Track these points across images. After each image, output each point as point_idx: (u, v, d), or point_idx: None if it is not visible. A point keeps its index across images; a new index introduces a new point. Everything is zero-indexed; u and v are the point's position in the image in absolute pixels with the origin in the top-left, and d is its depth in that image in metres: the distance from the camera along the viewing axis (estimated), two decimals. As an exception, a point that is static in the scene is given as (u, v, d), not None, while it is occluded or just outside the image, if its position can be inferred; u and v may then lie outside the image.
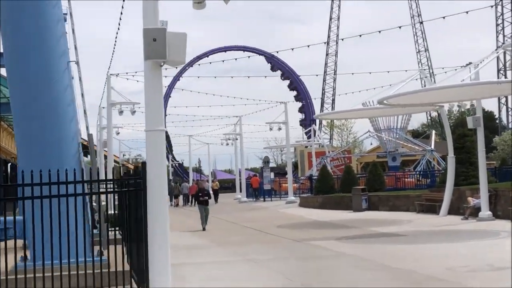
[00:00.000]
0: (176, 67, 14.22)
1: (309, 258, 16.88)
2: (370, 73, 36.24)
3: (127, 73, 28.54)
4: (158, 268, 9.27)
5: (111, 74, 28.03)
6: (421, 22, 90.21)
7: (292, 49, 28.86)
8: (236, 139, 51.80)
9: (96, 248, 12.74)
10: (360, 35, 25.54)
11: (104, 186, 13.84)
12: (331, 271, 14.40)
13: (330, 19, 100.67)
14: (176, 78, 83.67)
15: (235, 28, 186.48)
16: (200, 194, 26.74)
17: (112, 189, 12.13)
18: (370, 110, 28.50)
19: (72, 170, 10.46)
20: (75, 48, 14.25)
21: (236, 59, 43.42)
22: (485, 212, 25.07)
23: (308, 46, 25.35)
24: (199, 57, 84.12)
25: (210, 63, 50.47)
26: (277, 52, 36.18)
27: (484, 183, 25.22)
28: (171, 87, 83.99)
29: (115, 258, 10.80)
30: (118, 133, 45.69)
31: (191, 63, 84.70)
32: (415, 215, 29.60)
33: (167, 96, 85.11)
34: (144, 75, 9.40)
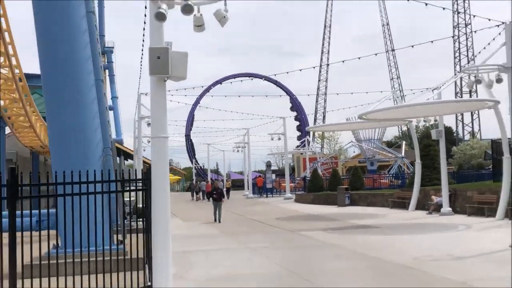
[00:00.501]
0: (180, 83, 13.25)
1: (298, 247, 15.87)
2: (352, 93, 35.31)
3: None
4: (160, 256, 8.40)
5: (141, 93, 27.38)
6: (393, 50, 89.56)
7: (288, 72, 27.70)
8: (244, 147, 51.04)
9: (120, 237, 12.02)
10: (343, 61, 24.26)
11: (124, 185, 12.93)
12: (315, 259, 13.40)
13: (322, 52, 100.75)
14: (199, 99, 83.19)
15: (248, 60, 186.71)
16: (214, 192, 25.73)
17: (126, 188, 11.13)
18: (352, 124, 27.51)
19: (99, 171, 9.77)
20: (101, 67, 13.34)
21: (241, 80, 42.79)
22: (446, 208, 24.34)
23: (300, 70, 24.20)
24: (217, 82, 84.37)
25: (221, 83, 49.47)
26: (275, 75, 34.71)
27: (445, 184, 24.49)
28: (195, 104, 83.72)
29: (136, 247, 9.93)
30: (149, 141, 44.73)
31: (211, 87, 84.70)
32: (388, 210, 28.60)
33: (192, 113, 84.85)
34: (150, 88, 8.47)
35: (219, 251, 15.45)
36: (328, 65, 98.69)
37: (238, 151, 52.68)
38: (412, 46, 23.03)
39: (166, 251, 8.37)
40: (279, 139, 41.98)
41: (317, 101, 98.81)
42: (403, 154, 52.75)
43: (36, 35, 12.21)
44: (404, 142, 59.37)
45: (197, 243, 17.38)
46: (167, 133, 8.39)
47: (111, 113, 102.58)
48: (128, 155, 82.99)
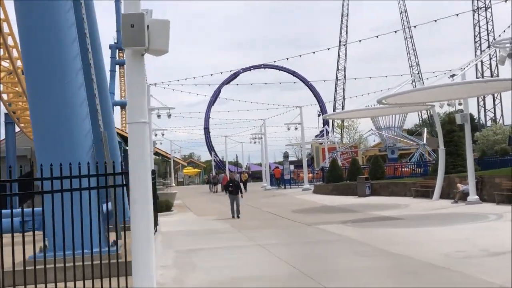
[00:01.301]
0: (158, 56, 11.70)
1: (314, 243, 14.34)
2: (370, 77, 33.31)
3: (162, 82, 26.22)
4: (140, 262, 6.91)
5: (150, 84, 25.94)
6: (411, 37, 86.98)
7: (300, 55, 25.79)
8: (261, 138, 49.36)
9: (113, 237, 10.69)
10: (360, 40, 22.54)
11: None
12: (332, 258, 11.84)
13: (340, 41, 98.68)
14: (218, 90, 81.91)
15: (267, 53, 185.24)
16: (230, 184, 23.65)
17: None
18: (371, 110, 25.82)
19: (91, 165, 8.53)
20: (89, 51, 11.92)
21: (264, 66, 41.13)
22: (473, 196, 22.64)
23: (314, 52, 22.50)
24: (235, 74, 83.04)
25: (237, 75, 47.83)
26: (287, 59, 32.17)
27: (471, 171, 22.83)
28: (213, 98, 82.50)
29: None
30: (163, 135, 43.61)
31: (231, 78, 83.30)
32: (411, 200, 26.92)
33: (210, 104, 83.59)
34: (126, 64, 7.01)
35: (227, 249, 14.01)
36: (346, 46, 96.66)
37: (255, 142, 51.10)
38: (435, 21, 21.13)
39: (148, 256, 6.91)
40: (296, 129, 40.34)
41: (335, 91, 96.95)
42: (425, 141, 50.68)
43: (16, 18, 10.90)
44: (425, 129, 57.07)
45: (205, 240, 15.99)
46: (146, 118, 6.93)
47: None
48: (158, 155, 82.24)
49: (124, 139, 56.48)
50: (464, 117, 22.83)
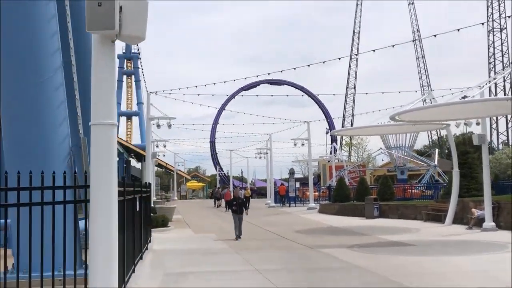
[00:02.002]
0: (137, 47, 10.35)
1: (316, 271, 12.94)
2: (383, 93, 32.01)
3: (163, 91, 24.98)
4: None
5: (150, 92, 24.68)
6: (423, 56, 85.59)
7: (309, 65, 24.52)
8: (266, 153, 47.98)
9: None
10: (374, 50, 21.24)
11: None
12: (337, 290, 10.47)
13: (350, 58, 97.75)
14: (225, 104, 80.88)
15: (278, 68, 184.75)
16: (234, 202, 21.65)
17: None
18: (381, 128, 24.45)
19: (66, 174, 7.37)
20: (70, 47, 10.69)
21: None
22: (489, 223, 21.13)
23: (324, 62, 21.25)
24: (242, 88, 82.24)
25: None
26: (295, 68, 30.91)
27: (488, 195, 21.37)
28: (220, 111, 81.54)
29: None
30: (165, 146, 42.36)
31: (237, 93, 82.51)
32: (422, 224, 25.45)
33: (217, 119, 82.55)
34: (92, 53, 5.72)
35: (220, 274, 12.64)
36: (356, 63, 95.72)
37: (260, 157, 49.73)
38: (435, 35, 19.79)
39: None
40: (303, 145, 38.96)
41: (345, 108, 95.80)
42: (436, 162, 49.12)
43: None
44: (437, 150, 55.49)
45: (198, 261, 14.62)
46: (115, 118, 5.64)
47: (136, 119, 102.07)
48: (161, 167, 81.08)
49: (127, 150, 55.46)
50: (482, 137, 21.49)
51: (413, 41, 72.46)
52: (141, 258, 13.91)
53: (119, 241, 9.39)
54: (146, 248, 16.49)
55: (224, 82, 27.18)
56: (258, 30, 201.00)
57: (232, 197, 38.95)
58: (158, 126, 24.63)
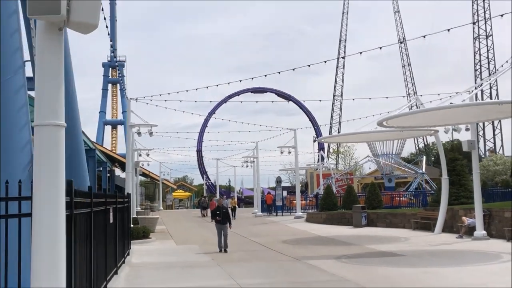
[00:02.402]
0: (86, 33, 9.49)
1: (303, 284, 12.20)
2: (370, 98, 31.32)
3: (144, 97, 24.06)
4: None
5: (130, 99, 23.72)
6: (409, 64, 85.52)
7: (294, 69, 23.71)
8: (253, 161, 47.12)
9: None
10: (361, 53, 20.56)
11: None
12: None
13: (337, 67, 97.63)
14: (212, 112, 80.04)
15: (265, 78, 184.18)
16: (217, 212, 19.83)
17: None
18: (368, 134, 23.80)
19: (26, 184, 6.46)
20: (33, 45, 9.88)
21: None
22: (480, 231, 20.58)
23: (309, 65, 20.53)
24: (229, 96, 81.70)
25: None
26: (279, 72, 30.33)
27: (479, 203, 20.79)
28: (207, 119, 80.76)
29: None
30: (148, 154, 41.40)
31: (224, 101, 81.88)
32: (411, 232, 24.83)
33: (203, 128, 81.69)
34: (37, 42, 4.94)
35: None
36: (343, 70, 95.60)
37: (247, 166, 48.90)
38: (424, 36, 19.20)
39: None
40: (289, 153, 38.18)
41: (332, 117, 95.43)
42: (423, 169, 48.58)
43: None
44: (424, 157, 55.02)
45: (177, 276, 13.78)
46: (63, 119, 4.87)
47: (121, 128, 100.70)
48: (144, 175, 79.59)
49: (111, 159, 54.33)
50: (472, 143, 20.93)
51: (400, 42, 72.11)
52: (116, 273, 13.07)
53: (86, 256, 8.61)
54: (123, 262, 15.66)
55: (207, 87, 26.21)
56: (244, 40, 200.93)
57: (215, 207, 38.18)
58: (139, 133, 23.74)
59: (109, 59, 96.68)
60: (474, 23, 72.41)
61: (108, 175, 55.32)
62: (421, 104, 23.31)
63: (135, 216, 33.27)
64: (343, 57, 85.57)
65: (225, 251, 18.93)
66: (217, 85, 21.63)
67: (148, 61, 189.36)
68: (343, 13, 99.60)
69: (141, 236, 22.79)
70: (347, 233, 25.54)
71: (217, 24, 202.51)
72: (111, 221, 12.32)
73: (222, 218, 19.57)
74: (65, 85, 5.49)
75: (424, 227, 25.45)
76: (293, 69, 21.62)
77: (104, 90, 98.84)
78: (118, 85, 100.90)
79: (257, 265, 15.64)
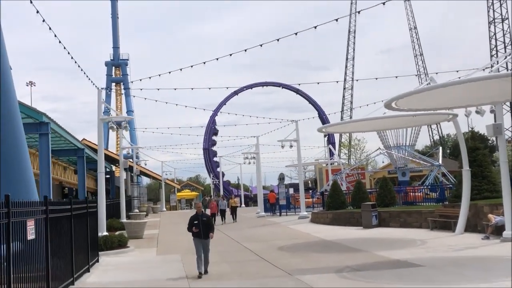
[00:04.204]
0: None
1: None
2: (376, 78, 27.98)
3: (114, 83, 20.80)
4: None
5: (102, 88, 20.61)
6: (421, 54, 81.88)
7: (296, 33, 20.40)
8: (253, 157, 43.75)
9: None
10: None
11: None
12: None
13: (346, 59, 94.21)
14: (217, 110, 77.00)
15: (279, 73, 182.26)
16: (195, 221, 14.19)
17: None
18: (375, 121, 20.50)
19: None
20: None
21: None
22: (510, 231, 17.35)
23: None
24: (235, 92, 79.09)
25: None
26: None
27: (508, 197, 17.52)
28: (213, 116, 77.93)
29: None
30: (137, 153, 38.45)
31: (229, 98, 79.23)
32: (428, 233, 21.61)
33: (209, 125, 78.81)
34: None
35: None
36: (353, 73, 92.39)
37: (249, 163, 45.62)
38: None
39: None
40: (291, 146, 34.79)
41: (342, 111, 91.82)
42: (440, 161, 44.86)
43: None
44: (440, 148, 51.16)
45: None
46: None
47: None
48: (146, 176, 76.79)
49: (112, 160, 51.52)
50: (498, 128, 17.64)
51: (410, 29, 68.38)
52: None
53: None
54: (72, 283, 12.57)
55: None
56: (253, 38, 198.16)
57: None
58: (112, 128, 20.69)
59: (112, 58, 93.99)
60: (488, 7, 68.80)
61: (108, 176, 52.62)
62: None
63: (124, 220, 30.39)
64: (354, 36, 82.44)
65: (206, 272, 14.03)
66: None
67: (157, 61, 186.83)
68: (351, 3, 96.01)
69: (116, 246, 19.75)
70: (354, 236, 22.32)
71: (224, 23, 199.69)
72: (30, 237, 9.30)
73: (201, 230, 14.11)
74: None
75: (443, 226, 22.21)
76: (295, 33, 18.23)
77: (108, 89, 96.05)
78: (122, 84, 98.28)
79: (239, 284, 12.51)
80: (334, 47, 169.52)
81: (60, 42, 20.04)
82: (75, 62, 20.13)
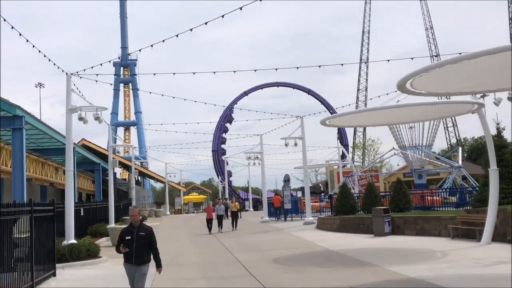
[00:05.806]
0: None
1: None
2: (388, 61, 25.28)
3: (84, 69, 17.89)
4: None
5: (71, 74, 17.82)
6: (438, 55, 78.41)
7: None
8: (257, 157, 40.74)
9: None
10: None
11: None
12: None
13: (360, 60, 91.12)
14: (227, 110, 74.53)
15: (290, 78, 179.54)
16: (127, 237, 8.86)
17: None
18: (385, 111, 17.52)
19: None
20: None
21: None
22: (549, 241, 14.17)
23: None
24: (245, 93, 77.05)
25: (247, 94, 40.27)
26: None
27: (546, 203, 14.34)
28: (223, 117, 75.68)
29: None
30: (127, 151, 35.82)
31: (239, 98, 77.24)
32: (449, 243, 18.58)
33: (218, 126, 76.50)
34: None
35: None
36: (367, 74, 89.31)
37: (254, 163, 42.68)
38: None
39: None
40: (295, 144, 31.74)
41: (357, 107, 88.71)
42: (460, 163, 41.48)
43: None
44: (460, 149, 47.71)
45: None
46: None
47: (134, 129, 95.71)
48: (152, 178, 74.50)
49: (100, 156, 48.71)
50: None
51: (426, 29, 65.18)
52: None
53: None
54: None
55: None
56: (268, 43, 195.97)
57: (217, 213, 31.21)
58: (81, 119, 17.97)
59: (120, 58, 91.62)
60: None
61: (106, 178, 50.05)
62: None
63: (112, 225, 27.73)
64: (368, 36, 79.31)
65: None
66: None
67: (170, 65, 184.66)
68: (365, 3, 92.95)
69: (85, 256, 16.97)
70: (363, 245, 19.32)
71: (239, 28, 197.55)
72: None
73: (133, 250, 8.82)
74: None
75: (466, 234, 19.21)
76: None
77: (116, 90, 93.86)
78: (130, 84, 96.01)
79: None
80: (351, 51, 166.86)
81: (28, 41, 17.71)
82: (39, 51, 17.51)
